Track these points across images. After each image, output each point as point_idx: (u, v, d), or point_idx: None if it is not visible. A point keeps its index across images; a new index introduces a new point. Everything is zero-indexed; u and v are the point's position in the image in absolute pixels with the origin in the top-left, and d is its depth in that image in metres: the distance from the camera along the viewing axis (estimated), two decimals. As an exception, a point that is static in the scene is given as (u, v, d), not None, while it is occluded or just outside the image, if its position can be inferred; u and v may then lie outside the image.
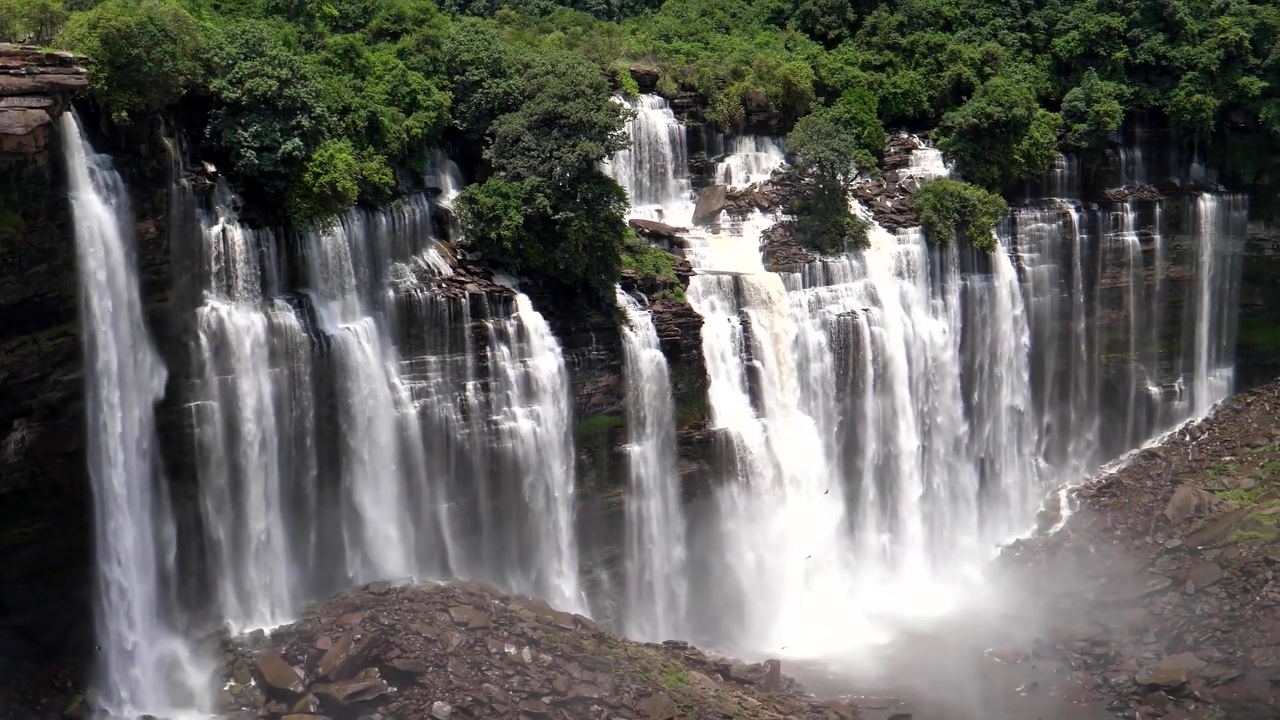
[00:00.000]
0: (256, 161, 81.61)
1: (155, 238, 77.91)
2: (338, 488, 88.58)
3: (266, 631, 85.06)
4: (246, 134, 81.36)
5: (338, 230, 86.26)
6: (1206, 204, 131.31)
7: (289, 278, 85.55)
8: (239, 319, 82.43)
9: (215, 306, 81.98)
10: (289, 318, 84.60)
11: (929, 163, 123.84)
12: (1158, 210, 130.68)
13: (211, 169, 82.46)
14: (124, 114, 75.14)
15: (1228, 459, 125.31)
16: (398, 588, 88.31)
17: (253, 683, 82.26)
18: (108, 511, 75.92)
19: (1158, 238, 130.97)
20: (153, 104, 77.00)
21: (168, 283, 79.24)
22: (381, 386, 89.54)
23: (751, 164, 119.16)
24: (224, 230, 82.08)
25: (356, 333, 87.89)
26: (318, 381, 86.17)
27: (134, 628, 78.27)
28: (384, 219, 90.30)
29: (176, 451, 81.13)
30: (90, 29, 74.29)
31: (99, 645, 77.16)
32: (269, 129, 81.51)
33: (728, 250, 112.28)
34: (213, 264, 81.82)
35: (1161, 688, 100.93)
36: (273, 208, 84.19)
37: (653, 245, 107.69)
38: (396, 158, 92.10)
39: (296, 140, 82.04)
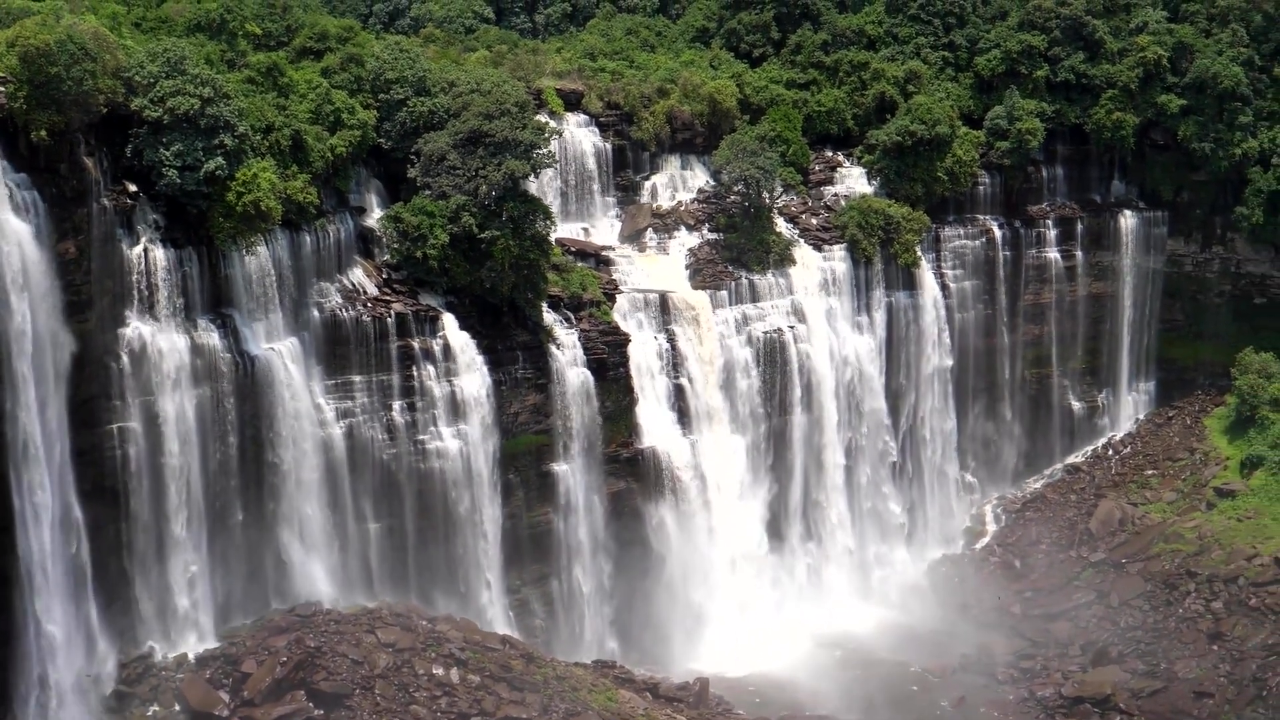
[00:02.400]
0: (179, 181, 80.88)
1: (75, 258, 77.08)
2: (262, 509, 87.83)
3: (190, 655, 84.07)
4: (168, 153, 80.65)
5: (262, 250, 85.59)
6: (1127, 220, 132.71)
7: (212, 298, 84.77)
8: (161, 340, 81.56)
9: (137, 327, 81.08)
10: (212, 338, 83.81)
11: (853, 180, 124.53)
12: (1079, 227, 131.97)
13: (133, 188, 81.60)
14: (43, 133, 74.34)
15: (1150, 473, 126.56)
16: (324, 610, 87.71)
17: (177, 707, 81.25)
18: (27, 534, 74.84)
19: (1079, 254, 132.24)
20: (72, 123, 76.23)
21: (88, 304, 78.40)
22: (306, 407, 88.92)
23: (677, 182, 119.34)
24: (146, 250, 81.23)
25: (281, 353, 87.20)
26: (241, 402, 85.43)
27: (54, 652, 77.18)
28: (308, 238, 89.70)
29: (97, 474, 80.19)
30: (8, 47, 73.57)
31: (18, 672, 76.15)
32: (191, 148, 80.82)
33: (654, 268, 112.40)
34: (134, 284, 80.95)
35: (1087, 700, 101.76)
36: (195, 227, 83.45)
37: (579, 264, 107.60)
38: (321, 177, 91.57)
39: (219, 159, 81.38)
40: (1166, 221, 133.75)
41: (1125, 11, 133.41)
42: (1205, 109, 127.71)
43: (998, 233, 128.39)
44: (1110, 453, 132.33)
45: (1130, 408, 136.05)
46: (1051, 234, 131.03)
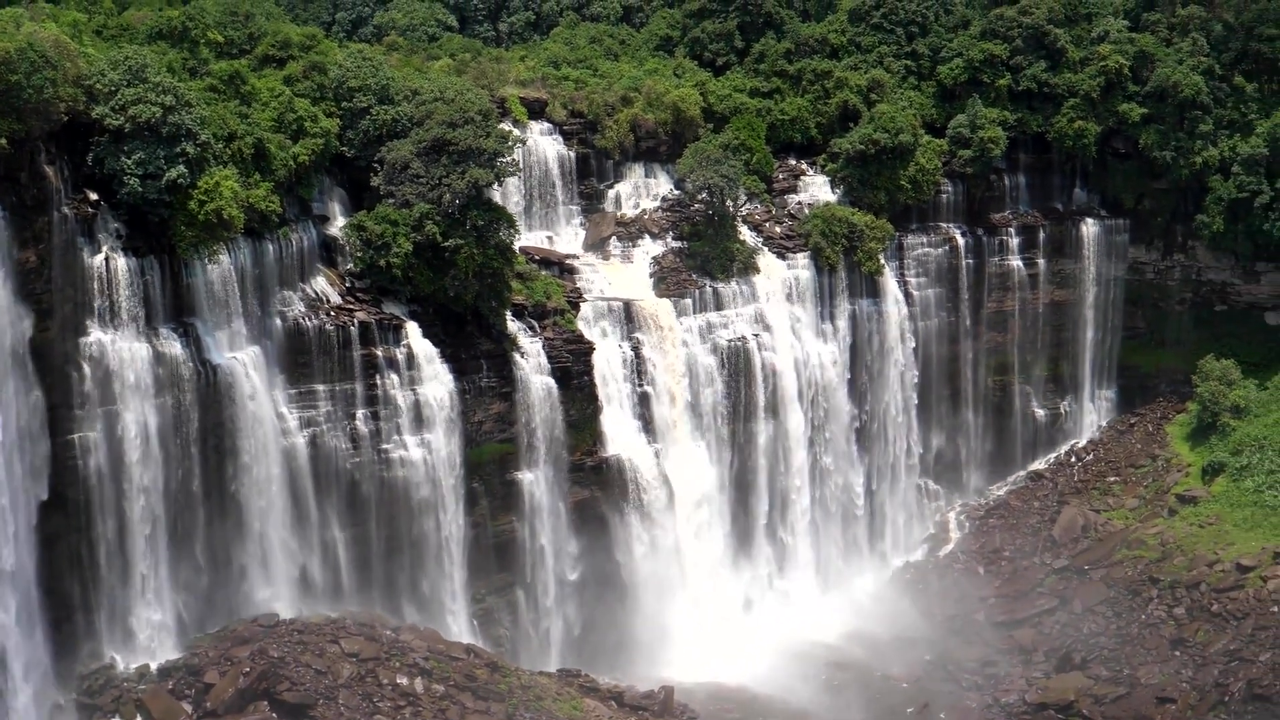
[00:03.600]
0: (140, 189, 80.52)
1: (36, 267, 76.83)
2: (225, 519, 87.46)
3: (153, 666, 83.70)
4: (130, 161, 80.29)
5: (224, 258, 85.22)
6: (1089, 228, 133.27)
7: (174, 307, 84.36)
8: (123, 349, 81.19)
9: (99, 336, 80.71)
10: (174, 347, 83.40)
11: (817, 189, 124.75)
12: (1042, 235, 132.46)
13: (94, 197, 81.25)
14: (3, 141, 73.93)
15: (1112, 479, 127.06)
16: (287, 620, 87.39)
17: (139, 718, 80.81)
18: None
19: (1042, 262, 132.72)
20: (33, 131, 75.92)
21: (49, 312, 78.10)
22: (269, 416, 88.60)
23: (641, 190, 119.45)
24: (107, 259, 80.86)
25: (243, 362, 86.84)
26: (204, 412, 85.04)
27: (14, 664, 76.73)
28: (271, 247, 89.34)
29: (59, 484, 79.73)
30: (-32, 55, 73.12)
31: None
32: (153, 156, 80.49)
33: (618, 277, 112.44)
34: (96, 293, 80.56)
35: (1051, 707, 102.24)
36: (157, 236, 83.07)
37: (543, 272, 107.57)
38: (284, 185, 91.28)
39: (181, 167, 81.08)
40: (1128, 229, 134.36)
41: (1087, 21, 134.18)
42: (1166, 117, 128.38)
43: (960, 241, 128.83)
44: (1073, 459, 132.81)
45: (1092, 414, 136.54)
46: (1014, 242, 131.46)
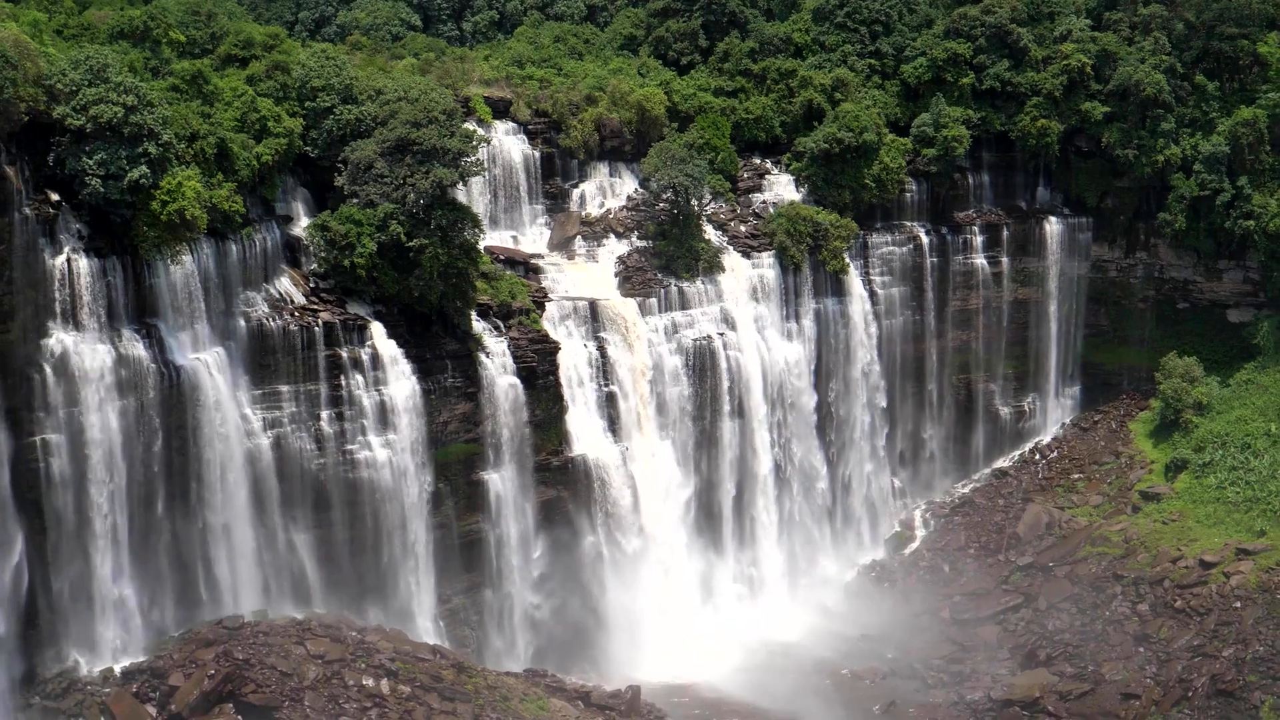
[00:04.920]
0: (102, 190, 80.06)
1: (-3, 268, 76.28)
2: (189, 520, 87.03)
3: (117, 669, 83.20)
4: (91, 162, 79.80)
5: (187, 259, 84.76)
6: (1052, 226, 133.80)
7: (137, 308, 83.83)
8: (85, 350, 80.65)
9: (61, 338, 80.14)
10: (137, 348, 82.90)
11: (782, 188, 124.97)
12: (1005, 233, 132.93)
13: (55, 197, 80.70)
14: (-37, 142, 73.53)
15: (1076, 476, 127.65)
16: (252, 622, 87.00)
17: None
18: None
19: (1005, 260, 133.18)
20: (-7, 131, 75.45)
21: (10, 314, 77.50)
22: (233, 417, 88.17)
23: (606, 190, 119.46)
24: (69, 260, 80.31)
25: (207, 363, 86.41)
26: (167, 413, 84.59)
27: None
28: (234, 247, 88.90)
29: (21, 487, 79.16)
30: (-73, 55, 72.63)
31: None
32: (114, 156, 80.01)
33: (584, 276, 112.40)
34: (58, 294, 79.99)
35: (1016, 704, 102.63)
36: (119, 236, 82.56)
37: (508, 272, 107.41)
38: (247, 185, 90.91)
39: (143, 168, 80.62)
40: (1091, 227, 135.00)
41: (1049, 20, 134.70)
42: (1128, 116, 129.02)
43: (925, 239, 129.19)
44: (1037, 457, 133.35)
45: (1056, 412, 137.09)
46: (978, 240, 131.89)
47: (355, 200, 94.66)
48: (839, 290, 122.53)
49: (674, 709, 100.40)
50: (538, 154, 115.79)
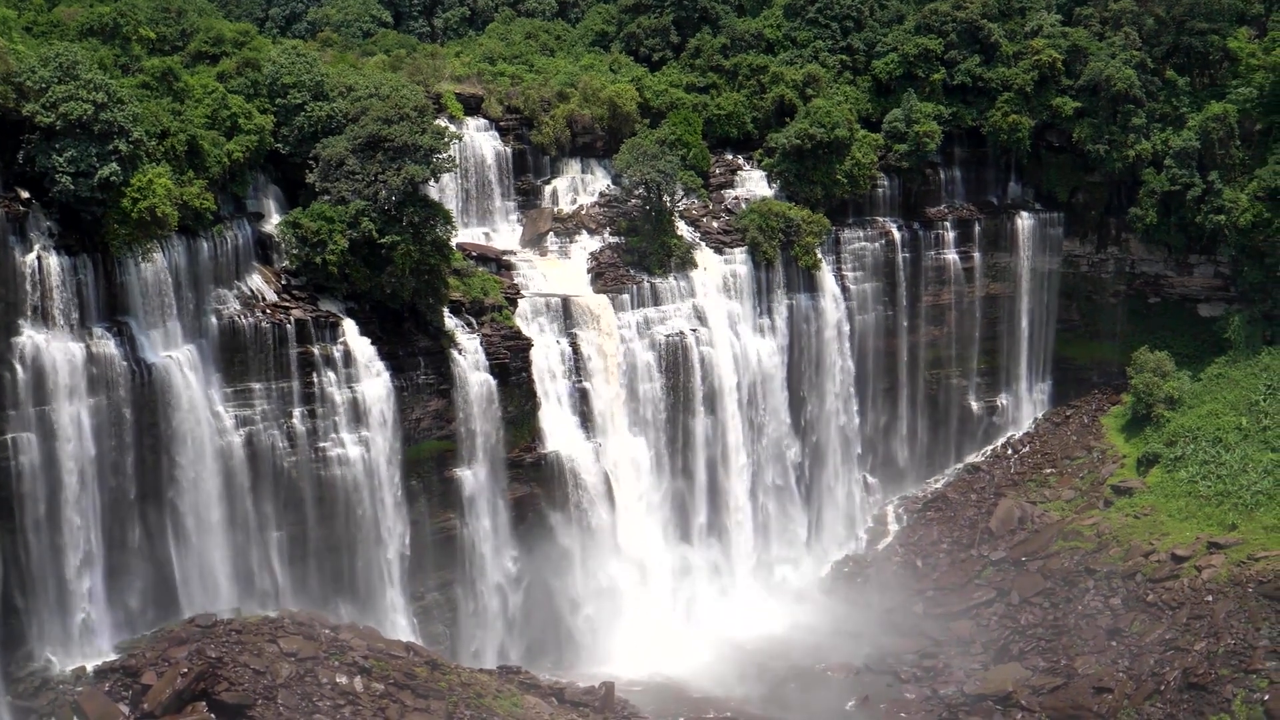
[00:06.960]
0: (72, 187, 79.72)
1: (-34, 266, 75.92)
2: (161, 519, 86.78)
3: (89, 668, 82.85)
4: (61, 159, 79.47)
5: (158, 256, 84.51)
6: (1024, 222, 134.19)
7: (108, 305, 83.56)
8: (56, 348, 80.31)
9: (31, 336, 79.77)
10: (108, 346, 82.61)
11: (754, 183, 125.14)
12: (977, 228, 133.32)
13: (25, 195, 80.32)
14: (-69, 139, 73.16)
15: (1048, 471, 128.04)
16: (224, 620, 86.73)
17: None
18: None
19: (977, 255, 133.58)
20: (-38, 129, 75.10)
21: (-20, 312, 77.23)
22: (205, 415, 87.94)
23: (578, 186, 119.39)
24: (39, 258, 79.94)
25: (178, 361, 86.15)
26: (139, 411, 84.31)
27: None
28: (206, 245, 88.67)
29: (-8, 485, 78.97)
30: (-106, 52, 72.22)
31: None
32: (85, 154, 79.71)
33: (556, 272, 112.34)
34: (28, 292, 79.63)
35: (989, 698, 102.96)
36: (90, 234, 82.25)
37: (480, 268, 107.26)
38: (218, 182, 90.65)
39: (114, 165, 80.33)
40: (1062, 223, 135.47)
41: (1020, 15, 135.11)
42: (1099, 111, 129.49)
43: (897, 235, 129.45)
44: (1009, 452, 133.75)
45: (1028, 407, 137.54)
46: (950, 236, 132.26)
47: (327, 197, 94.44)
48: (811, 286, 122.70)
49: (648, 704, 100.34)
50: (509, 150, 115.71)
